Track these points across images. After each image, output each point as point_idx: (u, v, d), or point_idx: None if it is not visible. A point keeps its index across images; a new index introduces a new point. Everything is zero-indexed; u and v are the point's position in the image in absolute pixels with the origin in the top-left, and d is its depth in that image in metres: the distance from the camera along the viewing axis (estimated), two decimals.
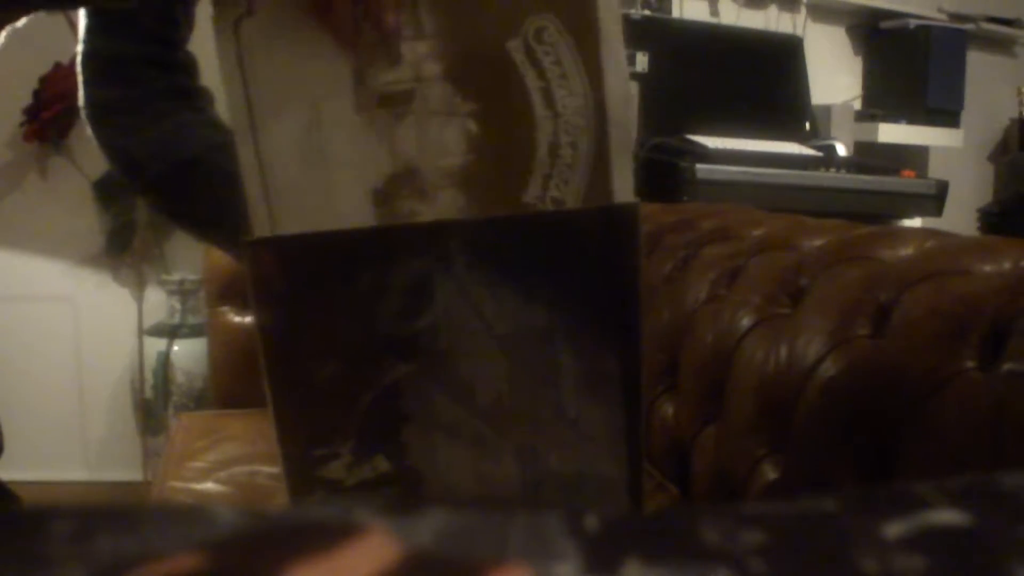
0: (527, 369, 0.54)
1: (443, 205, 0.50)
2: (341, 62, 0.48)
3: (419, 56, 0.48)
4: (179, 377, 1.98)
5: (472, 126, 0.49)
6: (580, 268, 0.52)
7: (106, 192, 1.99)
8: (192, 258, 1.94)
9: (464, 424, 0.53)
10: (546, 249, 0.52)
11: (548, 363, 0.53)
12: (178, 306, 2.05)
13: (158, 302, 2.10)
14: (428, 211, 0.50)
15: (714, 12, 2.48)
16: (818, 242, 0.95)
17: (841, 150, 2.24)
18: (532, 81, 0.48)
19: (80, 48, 0.75)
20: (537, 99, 0.48)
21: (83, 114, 0.78)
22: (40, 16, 0.68)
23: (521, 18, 0.47)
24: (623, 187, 0.50)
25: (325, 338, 0.51)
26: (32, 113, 1.95)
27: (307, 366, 0.51)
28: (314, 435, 0.52)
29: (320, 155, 0.49)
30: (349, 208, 0.50)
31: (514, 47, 0.47)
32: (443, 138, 0.49)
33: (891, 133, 2.52)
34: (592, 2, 0.48)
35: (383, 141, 0.49)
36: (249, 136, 0.48)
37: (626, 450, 0.56)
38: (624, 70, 0.49)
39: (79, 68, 0.76)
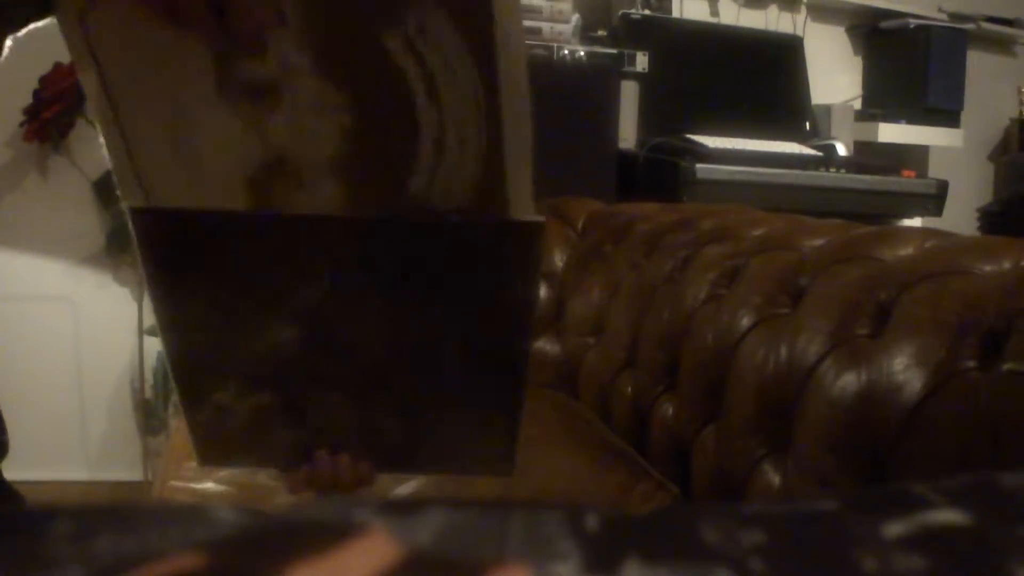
0: (409, 355, 0.56)
1: (323, 196, 0.48)
2: (199, 51, 0.44)
3: (284, 46, 0.44)
4: None
5: (346, 118, 0.46)
6: (471, 277, 0.52)
7: (106, 192, 1.99)
8: None
9: (345, 377, 0.56)
10: (437, 254, 0.51)
11: (430, 352, 0.55)
12: None
13: None
14: (308, 201, 0.49)
15: (714, 12, 2.48)
16: (818, 242, 0.95)
17: (841, 150, 2.24)
18: (413, 71, 0.45)
19: None
20: (419, 91, 0.45)
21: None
22: None
23: (401, 11, 0.43)
24: (520, 194, 0.48)
25: (210, 297, 0.53)
26: (32, 113, 1.95)
27: (193, 320, 0.54)
28: (203, 369, 0.56)
29: (189, 143, 0.47)
30: (224, 193, 0.49)
31: (392, 39, 0.44)
32: (316, 130, 0.46)
33: (891, 133, 2.52)
34: None
35: (252, 130, 0.46)
36: (114, 126, 0.46)
37: (504, 422, 0.58)
38: (524, 66, 0.45)
39: None
